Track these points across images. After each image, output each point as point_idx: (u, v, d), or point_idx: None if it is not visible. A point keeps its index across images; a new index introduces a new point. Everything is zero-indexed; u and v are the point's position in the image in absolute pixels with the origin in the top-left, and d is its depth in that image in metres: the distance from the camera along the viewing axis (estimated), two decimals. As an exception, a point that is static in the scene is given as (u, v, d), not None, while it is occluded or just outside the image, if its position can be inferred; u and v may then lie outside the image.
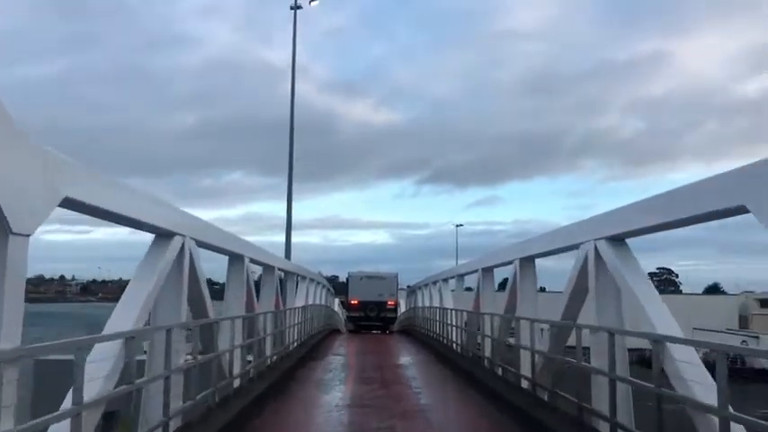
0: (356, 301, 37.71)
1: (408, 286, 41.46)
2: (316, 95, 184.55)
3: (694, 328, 34.25)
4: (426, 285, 30.73)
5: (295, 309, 20.36)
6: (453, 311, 20.29)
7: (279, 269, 17.95)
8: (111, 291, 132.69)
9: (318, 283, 29.72)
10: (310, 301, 25.68)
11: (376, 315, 36.96)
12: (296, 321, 19.65)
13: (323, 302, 30.65)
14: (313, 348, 21.59)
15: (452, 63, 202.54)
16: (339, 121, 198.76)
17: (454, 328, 19.78)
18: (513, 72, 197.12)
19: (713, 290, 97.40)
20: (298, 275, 23.61)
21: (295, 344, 19.30)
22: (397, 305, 38.49)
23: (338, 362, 19.20)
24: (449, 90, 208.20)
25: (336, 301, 40.24)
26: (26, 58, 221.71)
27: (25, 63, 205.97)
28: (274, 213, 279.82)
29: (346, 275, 39.95)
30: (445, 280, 26.02)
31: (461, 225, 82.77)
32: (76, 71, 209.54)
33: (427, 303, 28.86)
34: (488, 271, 17.61)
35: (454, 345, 19.55)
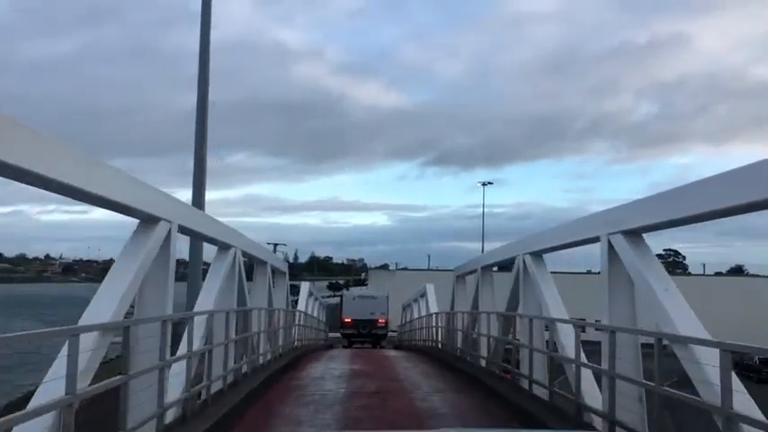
0: (350, 320, 40.85)
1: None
2: (327, 77, 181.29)
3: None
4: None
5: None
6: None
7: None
8: (94, 271, 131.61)
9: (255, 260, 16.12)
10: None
11: (368, 332, 40.05)
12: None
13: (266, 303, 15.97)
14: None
15: (465, 45, 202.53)
16: (348, 102, 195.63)
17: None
18: (526, 54, 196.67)
19: (737, 272, 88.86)
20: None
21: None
22: (387, 323, 41.67)
23: None
24: (459, 72, 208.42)
25: (307, 288, 30.29)
26: (41, 34, 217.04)
27: (40, 40, 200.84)
28: (274, 195, 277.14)
29: (341, 294, 44.81)
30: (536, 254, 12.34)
31: (491, 183, 71.87)
32: (90, 49, 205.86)
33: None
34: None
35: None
